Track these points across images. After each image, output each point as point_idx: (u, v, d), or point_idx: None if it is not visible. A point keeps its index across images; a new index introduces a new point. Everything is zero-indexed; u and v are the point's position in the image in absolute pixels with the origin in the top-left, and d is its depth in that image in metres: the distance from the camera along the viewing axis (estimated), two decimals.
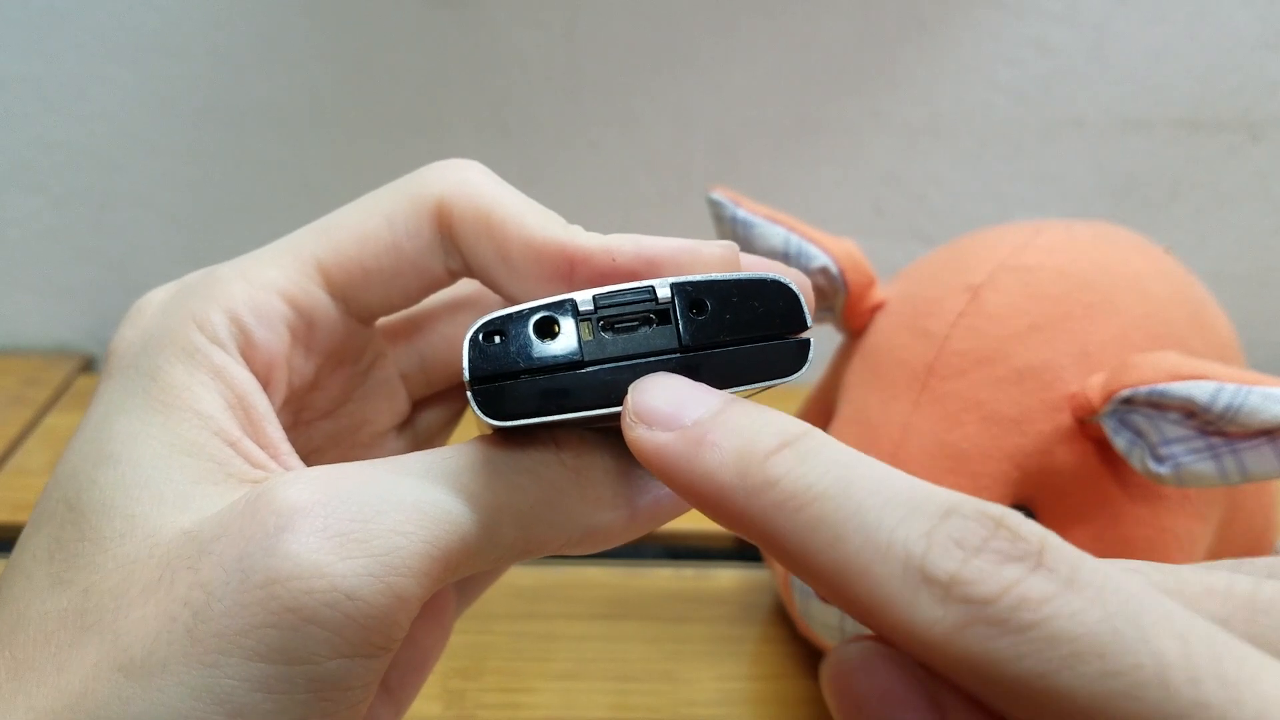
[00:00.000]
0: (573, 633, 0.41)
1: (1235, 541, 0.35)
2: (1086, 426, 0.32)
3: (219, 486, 0.19)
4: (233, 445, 0.19)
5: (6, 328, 0.62)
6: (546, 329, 0.18)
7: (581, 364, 0.18)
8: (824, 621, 0.34)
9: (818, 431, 0.16)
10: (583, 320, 0.18)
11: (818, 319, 0.37)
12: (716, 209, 0.36)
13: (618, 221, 0.59)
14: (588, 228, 0.20)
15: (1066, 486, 0.33)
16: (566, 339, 0.18)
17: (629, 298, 0.18)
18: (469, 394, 0.18)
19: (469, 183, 0.21)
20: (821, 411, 0.39)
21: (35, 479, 0.49)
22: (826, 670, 0.16)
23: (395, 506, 0.17)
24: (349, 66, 0.56)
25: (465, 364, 0.18)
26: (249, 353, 0.20)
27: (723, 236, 0.36)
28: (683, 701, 0.38)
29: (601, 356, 0.18)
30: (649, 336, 0.18)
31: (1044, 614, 0.13)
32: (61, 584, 0.18)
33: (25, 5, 0.54)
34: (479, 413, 0.18)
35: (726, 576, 0.44)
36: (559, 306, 0.18)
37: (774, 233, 0.35)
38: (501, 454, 0.19)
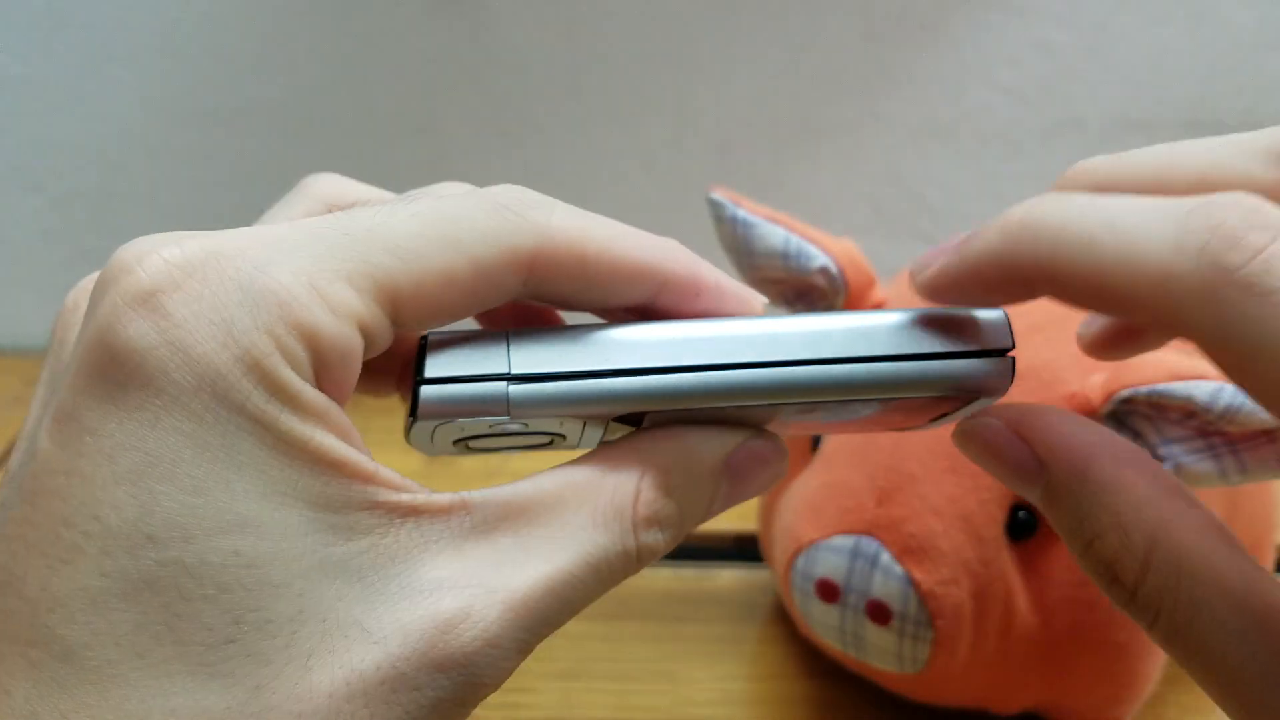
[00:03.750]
0: (572, 632, 0.41)
1: None
2: None
3: (370, 538, 0.17)
4: (371, 480, 0.17)
5: (6, 328, 0.62)
6: None
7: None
8: (824, 622, 0.34)
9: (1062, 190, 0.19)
10: None
11: None
12: (716, 209, 0.36)
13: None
14: None
15: None
16: None
17: None
18: None
19: (557, 230, 0.19)
20: None
21: None
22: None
23: None
24: (349, 67, 0.56)
25: None
26: (327, 387, 0.18)
27: (722, 237, 0.36)
28: (683, 701, 0.38)
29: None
30: None
31: None
32: (213, 676, 0.16)
33: (25, 5, 0.54)
34: None
35: (726, 576, 0.44)
36: None
37: (774, 232, 0.35)
38: None
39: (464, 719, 0.17)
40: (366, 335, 0.18)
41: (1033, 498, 0.20)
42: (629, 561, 0.19)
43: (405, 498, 0.18)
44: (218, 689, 0.16)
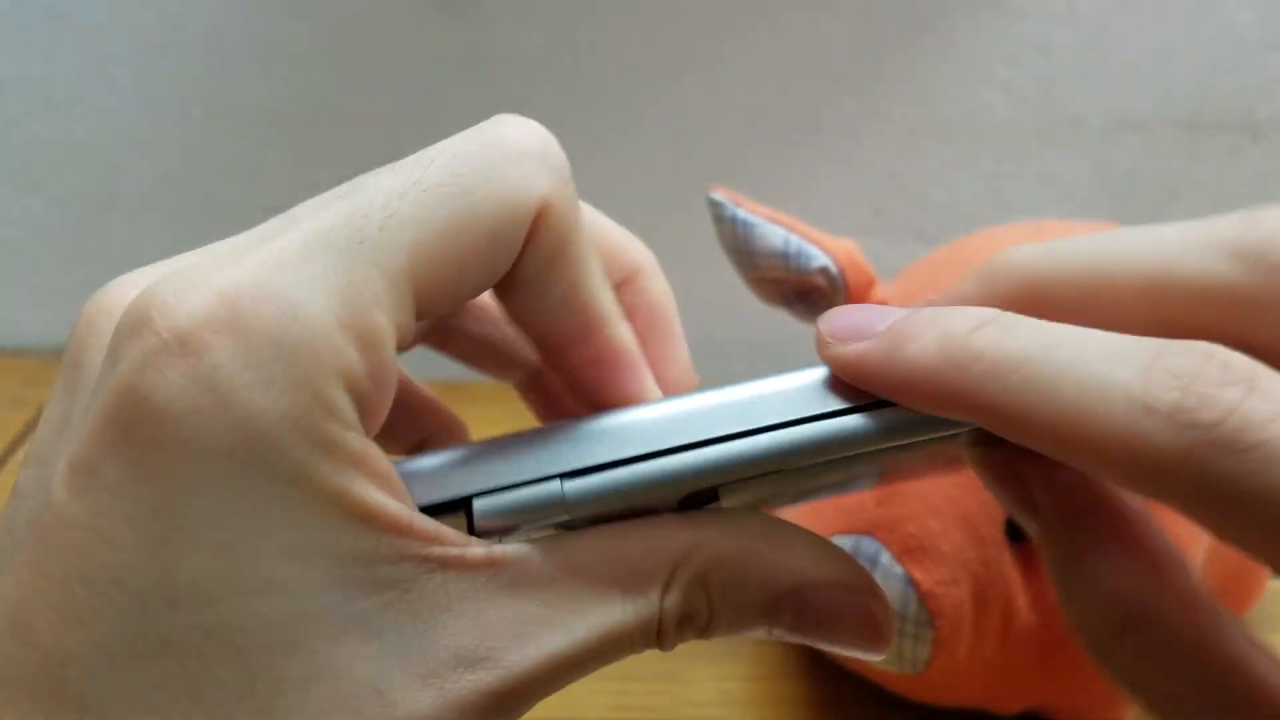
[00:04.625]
0: None
1: None
2: None
3: (393, 593, 0.17)
4: (404, 533, 0.17)
5: (6, 328, 0.62)
6: None
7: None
8: None
9: (1007, 312, 0.17)
10: None
11: (817, 319, 0.36)
12: (716, 209, 0.36)
13: (617, 222, 0.59)
14: None
15: None
16: None
17: None
18: None
19: (560, 190, 0.19)
20: None
21: None
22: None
23: None
24: (349, 67, 0.56)
25: None
26: (366, 421, 0.17)
27: (723, 236, 0.36)
28: (683, 701, 0.38)
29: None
30: None
31: (1269, 433, 0.14)
32: None
33: (25, 5, 0.54)
34: None
35: None
36: None
37: (774, 233, 0.35)
38: None
39: None
40: (401, 349, 0.18)
41: (1030, 531, 0.19)
42: (651, 642, 0.19)
43: (437, 550, 0.17)
44: None
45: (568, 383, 0.22)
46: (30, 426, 0.54)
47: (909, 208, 0.60)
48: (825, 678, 0.39)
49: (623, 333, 0.21)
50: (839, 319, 0.19)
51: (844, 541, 0.33)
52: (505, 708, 0.17)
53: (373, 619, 0.16)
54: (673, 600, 0.18)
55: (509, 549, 0.18)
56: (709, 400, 0.19)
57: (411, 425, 0.25)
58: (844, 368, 0.18)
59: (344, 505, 0.16)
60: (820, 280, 0.35)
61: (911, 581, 0.32)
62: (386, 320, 0.17)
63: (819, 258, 0.35)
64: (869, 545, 0.32)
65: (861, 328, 0.18)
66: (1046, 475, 0.19)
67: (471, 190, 0.18)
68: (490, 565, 0.18)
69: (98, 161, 0.58)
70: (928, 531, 0.32)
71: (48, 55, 0.55)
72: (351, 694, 0.16)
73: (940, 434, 0.18)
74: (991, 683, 0.34)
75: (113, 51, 0.55)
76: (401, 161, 0.18)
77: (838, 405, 0.19)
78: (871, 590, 0.20)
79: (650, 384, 0.21)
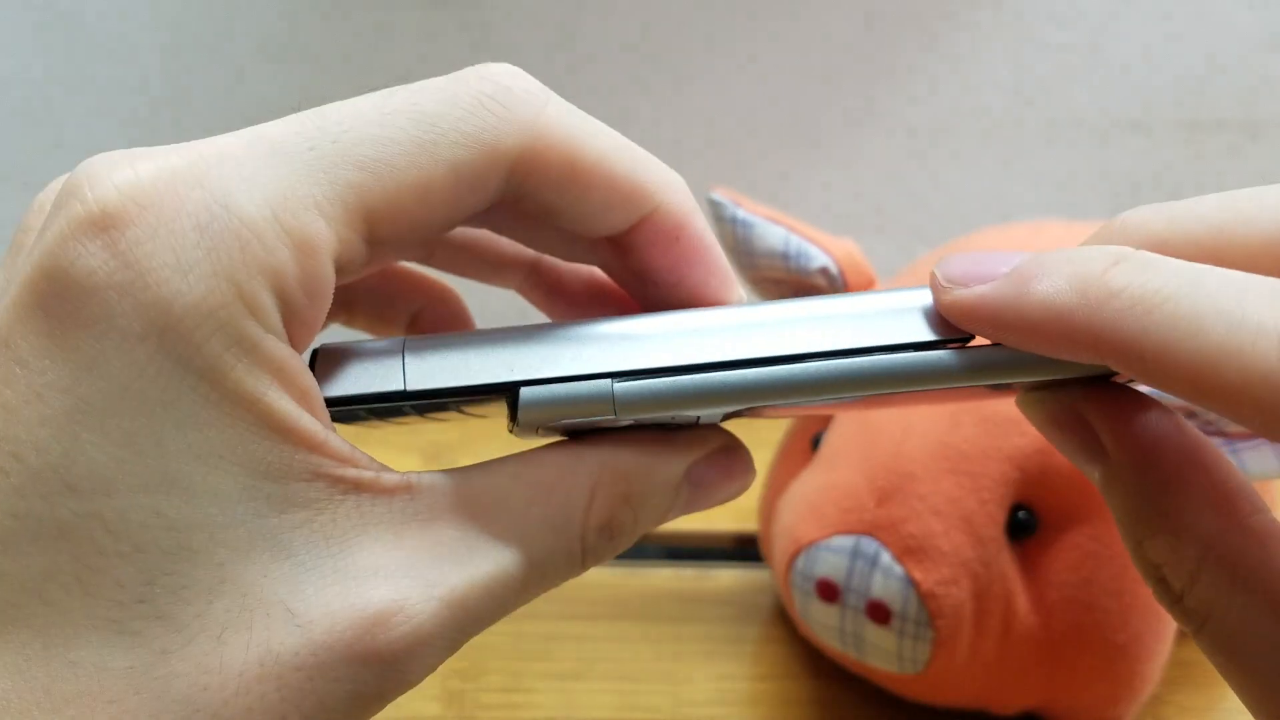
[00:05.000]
0: (573, 633, 0.41)
1: None
2: None
3: (306, 512, 0.16)
4: (318, 449, 0.16)
5: None
6: None
7: None
8: (824, 622, 0.34)
9: (1142, 250, 0.17)
10: None
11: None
12: (716, 209, 0.36)
13: None
14: None
15: (1066, 486, 0.33)
16: None
17: None
18: None
19: (548, 129, 0.18)
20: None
21: None
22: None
23: None
24: (349, 66, 0.56)
25: None
26: (292, 330, 0.17)
27: (722, 236, 0.36)
28: (683, 701, 0.38)
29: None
30: None
31: None
32: (120, 634, 0.15)
33: (25, 5, 0.54)
34: None
35: (726, 576, 0.44)
36: None
37: (774, 233, 0.35)
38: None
39: (378, 711, 0.17)
40: (339, 265, 0.17)
41: (1091, 476, 0.19)
42: (573, 565, 0.19)
43: (351, 473, 0.17)
44: (123, 646, 0.15)
45: (633, 277, 0.21)
46: None
47: (909, 208, 0.60)
48: (825, 678, 0.39)
49: (699, 225, 0.20)
50: (957, 264, 0.18)
51: (844, 541, 0.33)
52: (426, 636, 0.17)
53: (283, 537, 0.16)
54: (595, 520, 0.18)
55: (424, 477, 0.17)
56: (777, 313, 0.19)
57: (401, 301, 0.25)
58: (966, 311, 0.17)
59: (258, 412, 0.16)
60: (820, 280, 0.35)
61: (911, 581, 0.32)
62: (327, 229, 0.16)
63: (819, 258, 0.35)
64: (869, 545, 0.32)
65: (983, 271, 0.17)
66: (1122, 418, 0.18)
67: (436, 120, 0.17)
68: (406, 490, 0.17)
69: None
70: (928, 531, 0.32)
71: (48, 55, 0.55)
72: (260, 609, 0.16)
73: (1041, 376, 0.18)
74: (991, 683, 0.34)
75: (113, 51, 0.55)
76: (371, 92, 0.18)
77: (929, 337, 0.18)
78: (733, 443, 0.21)
79: (729, 286, 0.21)
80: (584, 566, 0.19)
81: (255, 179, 0.16)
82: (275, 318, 0.16)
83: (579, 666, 0.39)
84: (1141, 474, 0.18)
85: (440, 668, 0.43)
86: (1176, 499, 0.17)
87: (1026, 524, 0.33)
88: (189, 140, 0.17)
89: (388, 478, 0.17)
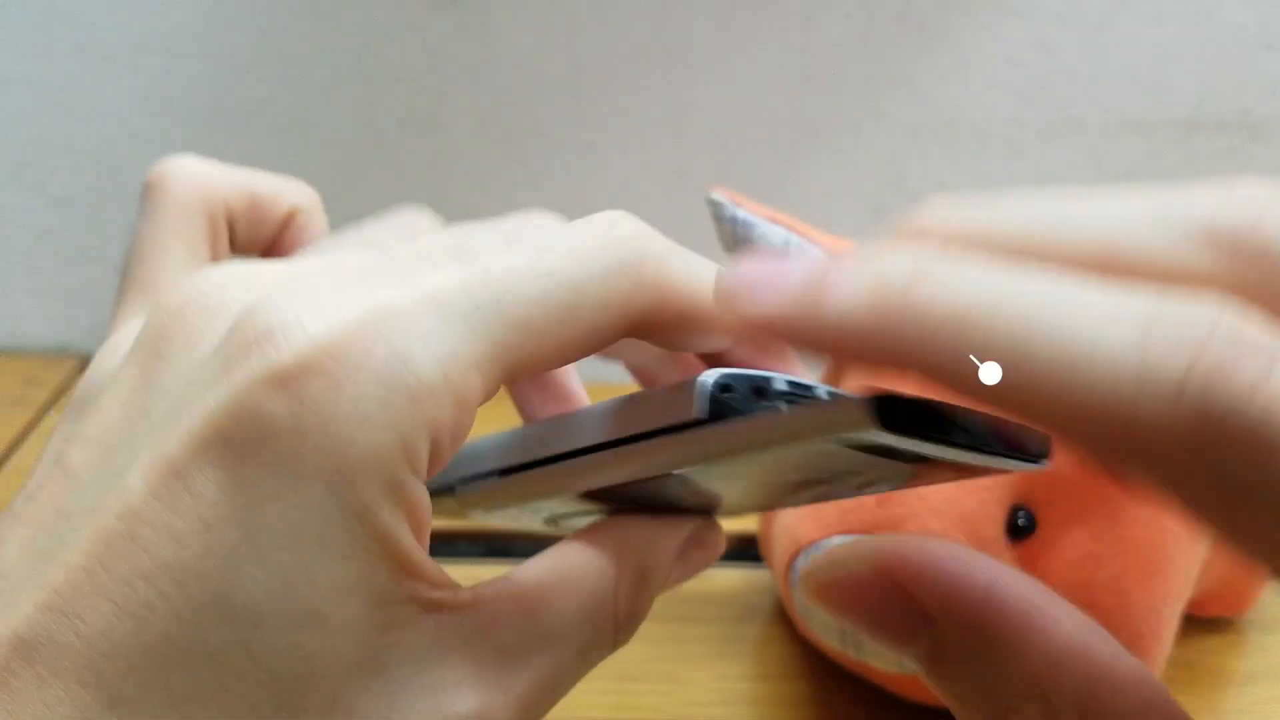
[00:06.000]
0: None
1: None
2: None
3: (400, 632, 0.17)
4: (422, 577, 0.17)
5: (6, 328, 0.62)
6: None
7: None
8: (824, 621, 0.34)
9: (950, 250, 0.15)
10: None
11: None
12: (716, 209, 0.36)
13: None
14: None
15: (1066, 487, 0.33)
16: None
17: None
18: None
19: (673, 289, 0.19)
20: None
21: None
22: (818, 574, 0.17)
23: None
24: (349, 67, 0.56)
25: None
26: (432, 470, 0.18)
27: (722, 236, 0.36)
28: (683, 701, 0.38)
29: None
30: None
31: None
32: None
33: (25, 6, 0.54)
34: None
35: (727, 576, 0.44)
36: None
37: (774, 233, 0.35)
38: None
39: None
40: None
41: (909, 656, 0.17)
42: (607, 648, 0.20)
43: (437, 594, 0.17)
44: None
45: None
46: (31, 426, 0.54)
47: (909, 208, 0.60)
48: (825, 678, 0.39)
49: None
50: (740, 273, 0.15)
51: (844, 541, 0.33)
52: None
53: (381, 655, 0.17)
54: (624, 607, 0.20)
55: (483, 589, 0.18)
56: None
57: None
58: (755, 331, 0.15)
59: (389, 548, 0.16)
60: None
61: None
62: (481, 385, 0.17)
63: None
64: None
65: (772, 279, 0.15)
66: (941, 565, 0.17)
67: (581, 288, 0.18)
68: (474, 606, 0.18)
69: (98, 161, 0.58)
70: (928, 532, 0.32)
71: (48, 55, 0.55)
72: None
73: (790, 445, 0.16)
74: None
75: (113, 51, 0.55)
76: (513, 234, 0.19)
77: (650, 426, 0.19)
78: (714, 531, 0.22)
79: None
80: (615, 647, 0.20)
81: (428, 338, 0.17)
82: (425, 464, 0.17)
83: None
84: (987, 637, 0.16)
85: None
86: (1035, 657, 0.15)
87: (1026, 524, 0.33)
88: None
89: (461, 595, 0.18)
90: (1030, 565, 0.33)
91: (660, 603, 0.39)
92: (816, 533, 0.34)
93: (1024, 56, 0.56)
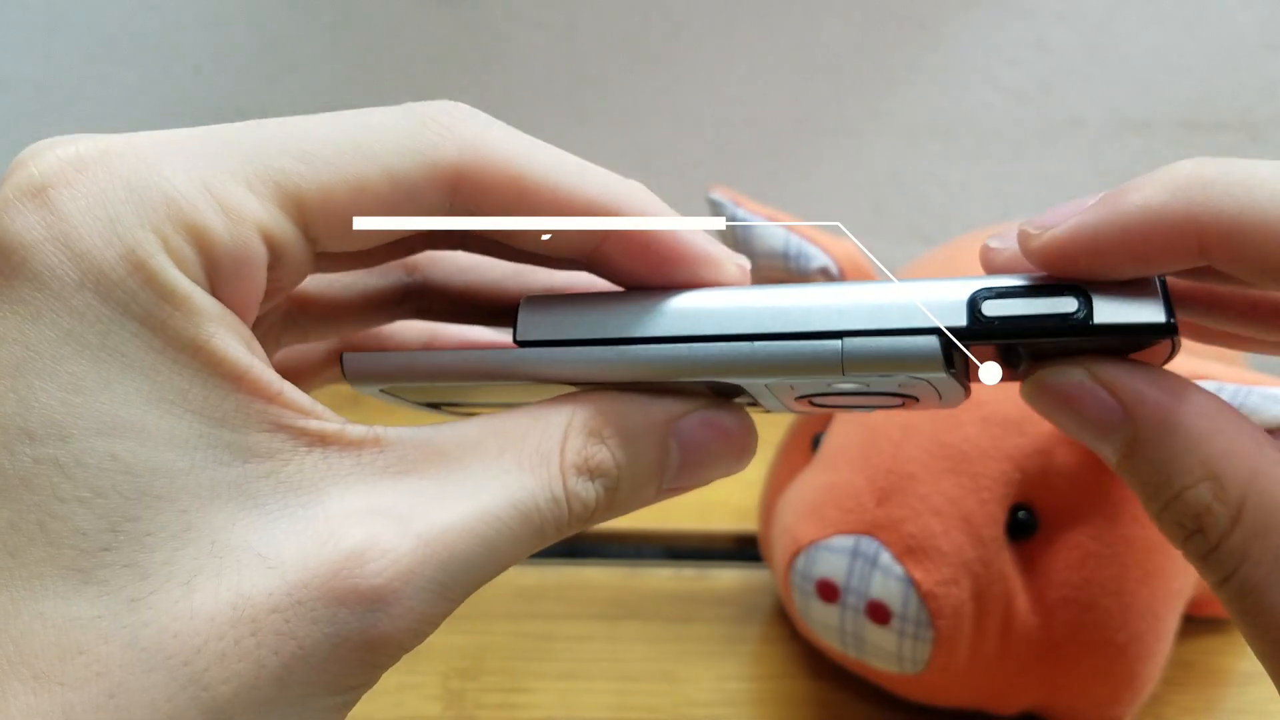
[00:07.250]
0: (573, 633, 0.41)
1: None
2: None
3: (270, 463, 0.16)
4: (274, 400, 0.16)
5: None
6: None
7: None
8: (824, 622, 0.34)
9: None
10: None
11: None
12: (716, 209, 0.36)
13: None
14: None
15: (1066, 486, 0.33)
16: None
17: None
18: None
19: (490, 146, 0.18)
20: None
21: None
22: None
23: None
24: (349, 66, 0.56)
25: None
26: (222, 295, 0.17)
27: (722, 236, 0.36)
28: (683, 702, 0.38)
29: None
30: None
31: None
32: (86, 583, 0.15)
33: (25, 6, 0.54)
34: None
35: (726, 577, 0.44)
36: None
37: (774, 232, 0.35)
38: None
39: (367, 678, 0.16)
40: (271, 245, 0.17)
41: (1107, 451, 0.19)
42: (559, 510, 0.18)
43: (314, 424, 0.17)
44: (90, 596, 0.15)
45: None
46: None
47: (909, 208, 0.60)
48: (825, 678, 0.39)
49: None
50: (1045, 215, 0.18)
51: (844, 541, 0.33)
52: (406, 573, 0.16)
53: (249, 486, 0.16)
54: (572, 457, 0.18)
55: (390, 431, 0.17)
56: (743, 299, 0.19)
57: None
58: (1063, 243, 0.17)
59: (203, 358, 0.16)
60: (820, 280, 0.35)
61: (911, 581, 0.32)
62: (256, 202, 0.17)
63: (819, 258, 0.35)
64: (869, 545, 0.32)
65: (1070, 206, 0.18)
66: (1138, 374, 0.18)
67: (376, 128, 0.18)
68: (374, 444, 0.17)
69: None
70: (928, 531, 0.32)
71: (48, 55, 0.55)
72: (229, 556, 0.15)
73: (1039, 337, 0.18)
74: (991, 683, 0.34)
75: (113, 51, 0.55)
76: None
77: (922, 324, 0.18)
78: (728, 406, 0.20)
79: (720, 270, 0.21)
80: (571, 513, 0.18)
81: (189, 154, 0.17)
82: (200, 271, 0.16)
83: (579, 666, 0.39)
84: (1172, 428, 0.18)
85: (440, 667, 0.43)
86: (1213, 445, 0.17)
87: (1026, 524, 0.33)
88: None
89: (354, 430, 0.17)
90: (1031, 565, 0.33)
91: (660, 603, 0.39)
92: (816, 533, 0.34)
93: (1024, 56, 0.56)
